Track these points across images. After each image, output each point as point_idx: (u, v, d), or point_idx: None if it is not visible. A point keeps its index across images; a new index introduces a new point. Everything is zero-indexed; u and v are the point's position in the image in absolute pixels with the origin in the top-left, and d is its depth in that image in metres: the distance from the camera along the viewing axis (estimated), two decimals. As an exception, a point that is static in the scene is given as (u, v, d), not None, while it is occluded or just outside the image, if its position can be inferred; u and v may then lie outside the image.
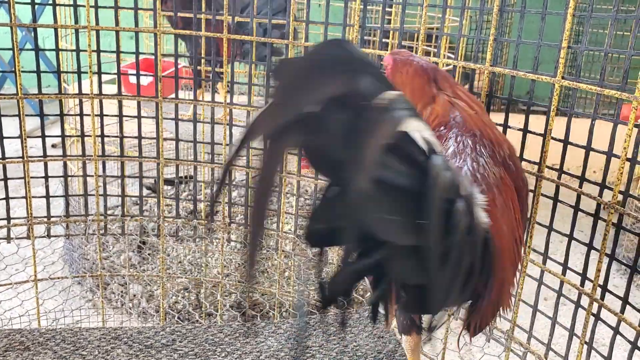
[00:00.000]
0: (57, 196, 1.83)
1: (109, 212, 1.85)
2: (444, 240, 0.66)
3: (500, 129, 1.41)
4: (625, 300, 1.22)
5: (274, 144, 0.60)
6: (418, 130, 0.63)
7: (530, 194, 1.35)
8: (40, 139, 1.70)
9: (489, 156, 0.94)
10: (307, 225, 0.68)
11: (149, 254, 2.54)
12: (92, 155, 1.74)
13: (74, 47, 1.69)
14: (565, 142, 1.30)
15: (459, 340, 1.09)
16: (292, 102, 0.60)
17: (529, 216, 1.35)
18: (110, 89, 1.97)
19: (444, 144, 0.96)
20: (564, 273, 1.34)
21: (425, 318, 0.94)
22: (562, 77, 1.25)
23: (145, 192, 2.06)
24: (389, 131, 0.60)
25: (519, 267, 0.94)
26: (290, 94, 0.61)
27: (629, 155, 1.17)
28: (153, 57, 1.69)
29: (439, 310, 0.78)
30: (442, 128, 1.00)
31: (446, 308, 0.82)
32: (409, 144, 0.63)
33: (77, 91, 1.74)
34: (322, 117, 0.61)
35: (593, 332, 1.29)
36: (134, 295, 2.30)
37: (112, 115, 1.76)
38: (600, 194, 1.24)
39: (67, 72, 1.83)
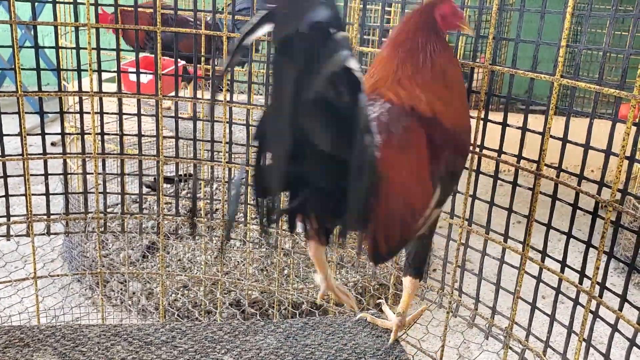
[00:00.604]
0: (56, 194, 1.83)
1: (108, 209, 1.85)
2: (351, 153, 0.84)
3: (499, 127, 1.42)
4: (623, 298, 1.22)
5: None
6: (355, 69, 0.80)
7: (529, 192, 1.36)
8: (39, 137, 1.70)
9: (399, 111, 1.07)
10: (256, 127, 0.87)
11: (148, 252, 2.55)
12: (91, 153, 1.74)
13: (73, 45, 1.70)
14: (564, 140, 1.31)
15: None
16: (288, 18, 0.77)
17: (530, 214, 1.36)
18: (110, 86, 1.97)
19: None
20: (562, 271, 1.34)
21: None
22: (561, 76, 1.26)
23: (144, 190, 2.06)
24: (339, 62, 0.78)
25: (424, 201, 1.07)
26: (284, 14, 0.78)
27: (627, 154, 1.17)
28: (153, 55, 1.69)
29: (349, 224, 0.96)
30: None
31: (351, 226, 0.99)
32: (348, 78, 0.80)
33: (77, 89, 1.74)
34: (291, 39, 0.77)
35: (591, 329, 1.30)
36: (134, 293, 2.31)
37: (112, 113, 1.76)
38: (599, 193, 1.25)
39: (67, 70, 1.83)
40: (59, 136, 1.78)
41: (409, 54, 1.11)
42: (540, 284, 1.40)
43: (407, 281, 1.26)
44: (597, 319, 1.28)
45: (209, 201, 2.06)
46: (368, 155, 0.87)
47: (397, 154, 1.02)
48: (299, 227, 1.02)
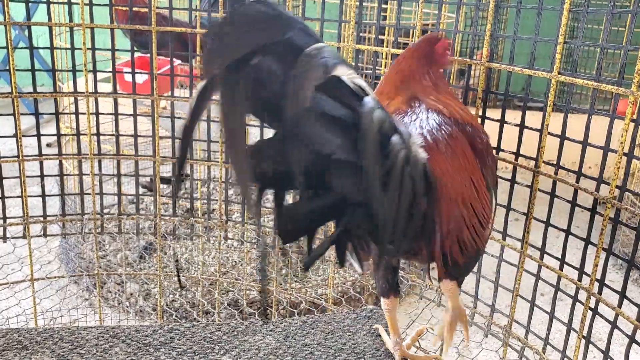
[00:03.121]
0: (53, 195, 1.82)
1: (105, 210, 1.84)
2: (382, 164, 0.74)
3: (497, 124, 1.41)
4: (622, 295, 1.22)
5: (227, 89, 0.69)
6: (348, 75, 0.71)
7: (527, 189, 1.36)
8: (35, 138, 1.69)
9: (442, 120, 1.04)
10: (253, 165, 0.73)
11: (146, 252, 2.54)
12: (87, 154, 1.73)
13: (68, 45, 1.69)
14: (562, 137, 1.30)
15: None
16: (233, 51, 0.69)
17: (528, 212, 1.35)
18: (105, 87, 1.96)
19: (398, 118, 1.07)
20: (561, 268, 1.34)
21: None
22: (559, 73, 1.25)
23: (141, 190, 2.05)
24: (320, 74, 0.69)
25: (487, 211, 1.02)
26: (222, 48, 0.70)
27: (626, 150, 1.17)
28: (148, 55, 1.68)
29: (389, 240, 0.80)
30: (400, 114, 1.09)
31: (398, 244, 0.85)
32: (342, 87, 0.71)
33: (72, 89, 1.73)
34: (261, 66, 0.70)
35: (590, 326, 1.29)
36: (131, 294, 2.30)
37: (108, 114, 1.75)
38: (597, 189, 1.24)
39: (61, 71, 1.82)
40: (55, 137, 1.76)
41: (425, 73, 1.15)
42: (539, 281, 1.40)
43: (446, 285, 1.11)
44: (597, 316, 1.28)
45: (206, 201, 2.05)
46: (407, 158, 0.76)
47: (447, 158, 0.97)
48: (356, 265, 0.91)
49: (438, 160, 0.93)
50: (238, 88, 0.69)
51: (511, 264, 1.43)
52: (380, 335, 1.34)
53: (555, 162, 1.32)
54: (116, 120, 1.74)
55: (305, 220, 0.77)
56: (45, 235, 1.84)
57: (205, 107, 0.72)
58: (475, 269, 1.53)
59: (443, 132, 1.01)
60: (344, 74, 0.71)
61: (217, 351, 1.28)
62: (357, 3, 1.57)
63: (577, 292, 1.32)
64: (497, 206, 1.44)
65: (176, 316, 2.17)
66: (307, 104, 0.69)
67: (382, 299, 1.21)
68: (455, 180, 0.95)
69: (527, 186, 1.36)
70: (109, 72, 1.76)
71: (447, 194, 0.91)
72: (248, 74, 0.70)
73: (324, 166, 0.72)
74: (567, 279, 1.32)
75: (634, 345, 1.20)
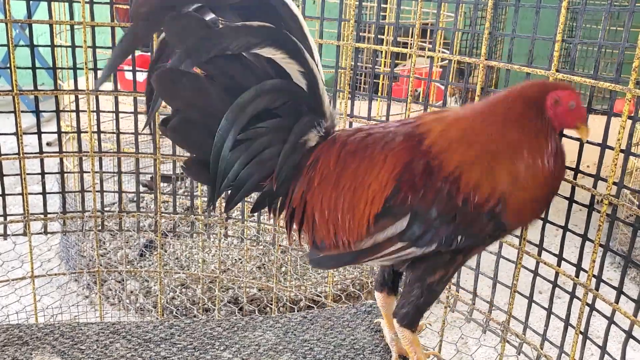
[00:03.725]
0: (53, 193, 1.83)
1: (105, 208, 1.85)
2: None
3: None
4: (619, 291, 1.23)
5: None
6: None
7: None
8: (35, 136, 1.70)
9: (404, 134, 1.02)
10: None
11: (147, 250, 2.55)
12: (88, 152, 1.74)
13: (69, 44, 1.69)
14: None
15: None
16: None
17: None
18: (106, 85, 1.97)
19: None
20: (559, 264, 1.35)
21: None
22: (557, 71, 1.26)
23: (141, 188, 2.06)
24: None
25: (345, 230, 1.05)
26: None
27: (623, 147, 1.18)
28: (149, 53, 1.69)
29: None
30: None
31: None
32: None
33: (73, 88, 1.74)
34: None
35: (588, 322, 1.30)
36: (131, 292, 2.31)
37: (108, 112, 1.76)
38: (595, 186, 1.25)
39: (62, 69, 1.82)
40: (55, 136, 1.77)
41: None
42: (537, 278, 1.41)
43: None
44: (594, 312, 1.29)
45: (206, 199, 2.06)
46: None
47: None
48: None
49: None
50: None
51: (509, 261, 1.44)
52: (380, 331, 1.35)
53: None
54: (117, 118, 1.75)
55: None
56: (45, 232, 1.84)
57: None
58: (473, 265, 1.54)
59: (387, 136, 1.01)
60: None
61: (217, 347, 1.29)
62: (357, 2, 1.58)
63: (574, 289, 1.33)
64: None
65: (176, 313, 2.18)
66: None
67: (376, 293, 1.22)
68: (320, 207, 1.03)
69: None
70: (110, 70, 1.76)
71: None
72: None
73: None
74: (564, 275, 1.33)
75: (631, 341, 1.21)
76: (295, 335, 1.34)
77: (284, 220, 1.09)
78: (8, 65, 1.60)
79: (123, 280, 2.34)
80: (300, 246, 1.23)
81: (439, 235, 0.97)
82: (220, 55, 0.92)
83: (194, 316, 2.14)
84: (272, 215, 1.10)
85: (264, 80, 0.96)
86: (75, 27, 1.66)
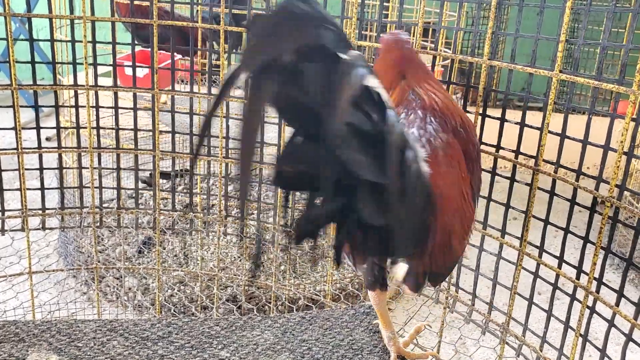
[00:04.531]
0: (52, 188, 1.82)
1: (104, 204, 1.84)
2: (400, 180, 0.77)
3: (497, 123, 1.41)
4: (620, 294, 1.22)
5: (255, 86, 0.68)
6: (376, 86, 0.73)
7: (527, 188, 1.36)
8: (34, 131, 1.69)
9: (438, 124, 1.03)
10: (276, 167, 0.77)
11: (145, 247, 2.54)
12: (87, 148, 1.73)
13: (69, 38, 1.68)
14: (562, 136, 1.30)
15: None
16: (267, 51, 0.68)
17: (527, 210, 1.36)
18: (105, 80, 1.96)
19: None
20: (559, 266, 1.34)
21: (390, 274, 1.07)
22: (560, 71, 1.25)
23: (140, 185, 2.05)
24: (357, 83, 0.69)
25: (470, 222, 1.03)
26: (264, 44, 0.69)
27: (625, 150, 1.17)
28: (149, 49, 1.68)
29: (400, 252, 0.89)
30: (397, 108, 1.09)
31: (404, 253, 0.92)
32: (371, 97, 0.73)
33: (72, 82, 1.73)
34: (295, 66, 0.69)
35: (588, 325, 1.30)
36: (129, 289, 2.30)
37: (108, 107, 1.75)
38: (597, 188, 1.24)
39: (62, 64, 1.81)
40: (54, 131, 1.76)
41: (413, 71, 1.12)
42: (538, 279, 1.40)
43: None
44: (594, 314, 1.28)
45: (205, 196, 2.05)
46: (417, 172, 0.79)
47: (445, 170, 0.98)
48: (351, 265, 0.98)
49: (437, 173, 0.94)
50: (269, 85, 0.69)
51: (510, 262, 1.43)
52: (378, 332, 1.34)
53: (555, 161, 1.32)
54: (116, 114, 1.74)
55: (322, 223, 0.81)
56: (44, 228, 1.84)
57: (225, 98, 0.72)
58: (473, 266, 1.53)
59: (440, 140, 1.01)
60: (374, 85, 0.72)
61: (215, 346, 1.28)
62: (359, 0, 1.57)
63: (575, 291, 1.32)
64: (497, 204, 1.44)
65: (174, 311, 2.17)
66: (344, 115, 0.68)
67: (369, 292, 1.21)
68: (451, 193, 0.97)
69: (526, 184, 1.36)
70: (110, 65, 1.76)
71: (442, 207, 0.93)
72: (282, 73, 0.69)
73: (351, 181, 0.75)
74: (565, 277, 1.33)
75: (631, 344, 1.21)
76: (293, 335, 1.33)
77: None
78: (7, 60, 1.59)
79: (121, 277, 2.34)
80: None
81: None
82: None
83: (192, 314, 2.14)
84: None
85: None
86: (75, 21, 1.64)
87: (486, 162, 1.38)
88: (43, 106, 1.72)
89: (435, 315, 2.08)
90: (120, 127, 1.75)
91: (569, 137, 1.30)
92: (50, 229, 1.93)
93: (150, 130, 1.74)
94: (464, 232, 1.00)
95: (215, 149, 1.79)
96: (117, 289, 2.32)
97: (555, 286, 1.37)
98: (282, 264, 2.37)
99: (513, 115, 1.41)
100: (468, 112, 1.45)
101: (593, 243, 1.25)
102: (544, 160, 1.32)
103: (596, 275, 1.25)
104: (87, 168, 1.75)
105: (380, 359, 1.26)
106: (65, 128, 2.01)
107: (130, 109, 1.75)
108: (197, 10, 1.75)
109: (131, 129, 1.76)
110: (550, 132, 1.30)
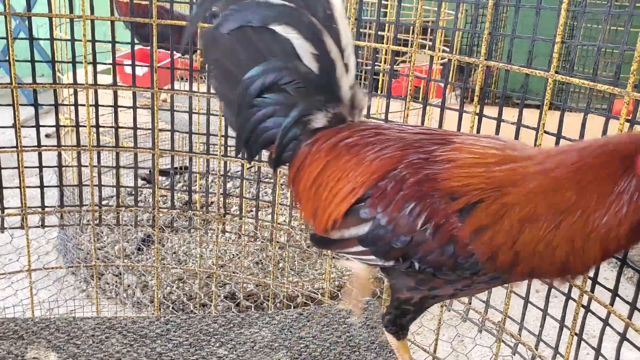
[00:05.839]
0: (51, 186, 1.83)
1: (103, 202, 1.85)
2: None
3: (494, 122, 1.42)
4: (614, 293, 1.23)
5: None
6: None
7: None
8: (34, 129, 1.69)
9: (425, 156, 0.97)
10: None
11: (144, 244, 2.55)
12: (86, 146, 1.73)
13: (68, 37, 1.69)
14: (558, 136, 1.31)
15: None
16: None
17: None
18: (105, 79, 1.96)
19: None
20: (555, 265, 1.35)
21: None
22: (556, 72, 1.26)
23: (140, 182, 2.06)
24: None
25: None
26: None
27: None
28: (148, 47, 1.68)
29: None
30: None
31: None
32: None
33: (71, 81, 1.73)
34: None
35: (583, 323, 1.31)
36: (129, 286, 2.31)
37: (107, 106, 1.75)
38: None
39: (61, 62, 1.82)
40: (54, 128, 1.77)
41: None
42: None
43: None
44: (589, 313, 1.29)
45: (204, 194, 2.06)
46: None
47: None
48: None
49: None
50: None
51: (506, 261, 1.44)
52: (375, 327, 1.36)
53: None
54: (116, 112, 1.75)
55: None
56: (43, 226, 1.84)
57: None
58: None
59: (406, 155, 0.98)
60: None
61: (213, 343, 1.29)
62: (357, -1, 1.57)
63: (570, 290, 1.33)
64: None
65: (173, 308, 2.18)
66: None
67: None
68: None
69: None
70: (109, 64, 1.76)
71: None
72: None
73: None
74: (560, 276, 1.33)
75: (625, 343, 1.22)
76: (291, 332, 1.34)
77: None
78: (7, 58, 1.59)
79: (120, 275, 2.34)
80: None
81: (395, 253, 0.95)
82: (247, 25, 1.01)
83: (191, 311, 2.15)
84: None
85: (290, 56, 1.02)
86: (75, 20, 1.65)
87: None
88: (43, 104, 1.72)
89: (433, 313, 2.09)
90: (119, 125, 1.76)
91: (564, 137, 1.30)
92: (50, 226, 1.93)
93: (150, 128, 1.75)
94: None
95: (214, 146, 1.80)
96: (116, 286, 2.32)
97: (551, 285, 1.38)
98: (281, 262, 2.38)
99: (512, 112, 1.41)
100: (466, 111, 1.46)
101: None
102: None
103: (591, 274, 1.26)
104: (87, 166, 1.76)
105: (377, 355, 1.27)
106: (65, 126, 2.02)
107: (130, 107, 1.76)
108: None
109: (130, 127, 1.76)
110: (546, 132, 1.31)
